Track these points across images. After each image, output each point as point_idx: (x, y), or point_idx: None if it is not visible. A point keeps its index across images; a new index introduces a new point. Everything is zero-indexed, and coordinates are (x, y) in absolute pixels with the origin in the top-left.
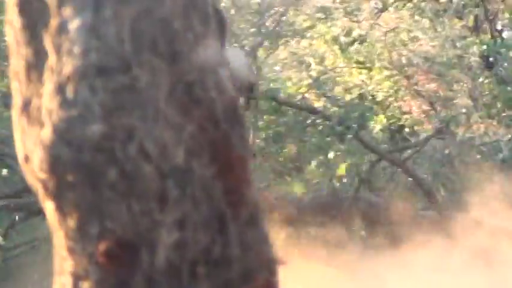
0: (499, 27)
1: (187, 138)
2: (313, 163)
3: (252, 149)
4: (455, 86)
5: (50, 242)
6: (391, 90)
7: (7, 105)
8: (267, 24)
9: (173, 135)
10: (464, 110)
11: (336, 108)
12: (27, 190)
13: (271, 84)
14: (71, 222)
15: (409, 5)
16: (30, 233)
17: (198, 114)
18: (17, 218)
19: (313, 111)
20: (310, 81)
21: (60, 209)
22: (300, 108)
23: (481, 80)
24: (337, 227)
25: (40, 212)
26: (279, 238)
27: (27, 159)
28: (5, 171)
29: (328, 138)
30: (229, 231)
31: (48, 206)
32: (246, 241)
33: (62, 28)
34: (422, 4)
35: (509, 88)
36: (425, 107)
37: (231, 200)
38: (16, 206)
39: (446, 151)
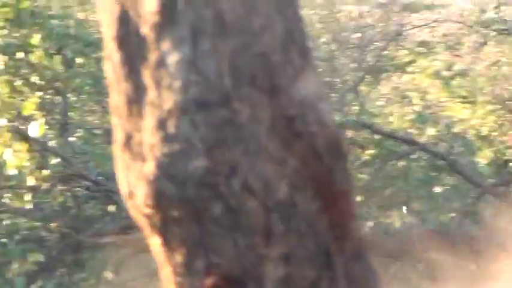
0: None
1: (290, 172)
2: (418, 197)
3: (355, 183)
4: None
5: (157, 278)
6: (495, 125)
7: (110, 142)
8: (368, 59)
9: (276, 170)
10: None
11: (439, 143)
12: (134, 226)
13: (374, 120)
14: (178, 257)
15: (510, 38)
16: (138, 270)
17: (300, 149)
18: (124, 254)
19: (412, 143)
20: (413, 116)
21: (166, 244)
22: (399, 139)
23: None
24: (444, 261)
25: (147, 248)
26: (386, 273)
27: (131, 194)
28: (112, 208)
29: (433, 173)
30: (335, 265)
31: (154, 241)
32: (352, 275)
33: (161, 62)
34: None
35: None
36: None
37: (336, 234)
38: (124, 242)
39: None
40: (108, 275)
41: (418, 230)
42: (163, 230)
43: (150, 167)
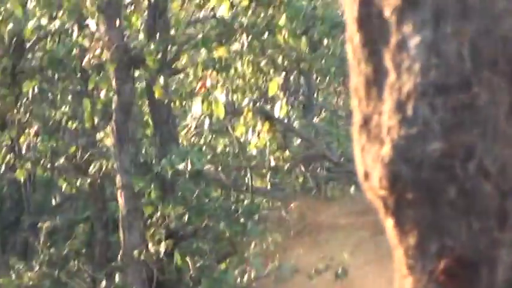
0: None
1: None
2: None
3: None
4: None
5: (392, 261)
6: None
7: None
8: None
9: None
10: None
11: None
12: (371, 208)
13: None
14: (411, 240)
15: None
16: (374, 252)
17: None
18: (361, 236)
19: None
20: None
21: (400, 226)
22: None
23: None
24: None
25: (383, 231)
26: None
27: (366, 176)
28: (351, 189)
29: None
30: None
31: (388, 223)
32: None
33: (402, 45)
34: None
35: None
36: None
37: None
38: (362, 224)
39: None
40: (345, 256)
41: None
42: (397, 212)
43: (386, 149)
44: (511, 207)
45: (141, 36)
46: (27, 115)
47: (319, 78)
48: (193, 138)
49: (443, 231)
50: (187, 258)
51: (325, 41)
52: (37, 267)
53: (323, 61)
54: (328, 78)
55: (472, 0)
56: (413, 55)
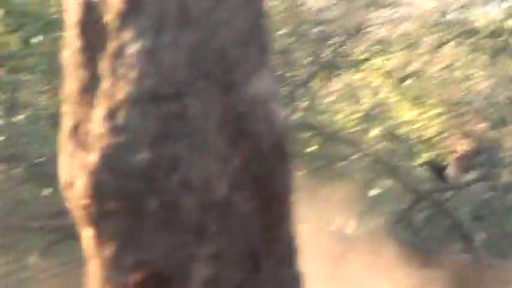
0: None
1: (232, 171)
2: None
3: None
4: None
5: (82, 267)
6: (440, 129)
7: (53, 126)
8: (324, 54)
9: (218, 168)
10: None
11: (384, 143)
12: (65, 212)
13: (320, 116)
14: (108, 251)
15: (472, 40)
16: (64, 256)
17: (245, 147)
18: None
19: (354, 145)
20: (361, 114)
21: (99, 237)
22: (340, 141)
23: None
24: (369, 263)
25: (75, 235)
26: (318, 274)
27: (70, 183)
28: (46, 191)
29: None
30: (262, 269)
31: (86, 233)
32: (278, 280)
33: (120, 52)
34: (482, 41)
35: None
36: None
37: (267, 237)
38: (53, 227)
39: (487, 195)
40: (34, 259)
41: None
42: (98, 222)
43: (93, 158)
44: (210, 221)
45: None
46: None
47: (28, 76)
48: None
49: (141, 244)
50: None
51: (37, 39)
52: None
53: (33, 58)
54: (35, 76)
55: (192, 11)
56: (131, 62)
